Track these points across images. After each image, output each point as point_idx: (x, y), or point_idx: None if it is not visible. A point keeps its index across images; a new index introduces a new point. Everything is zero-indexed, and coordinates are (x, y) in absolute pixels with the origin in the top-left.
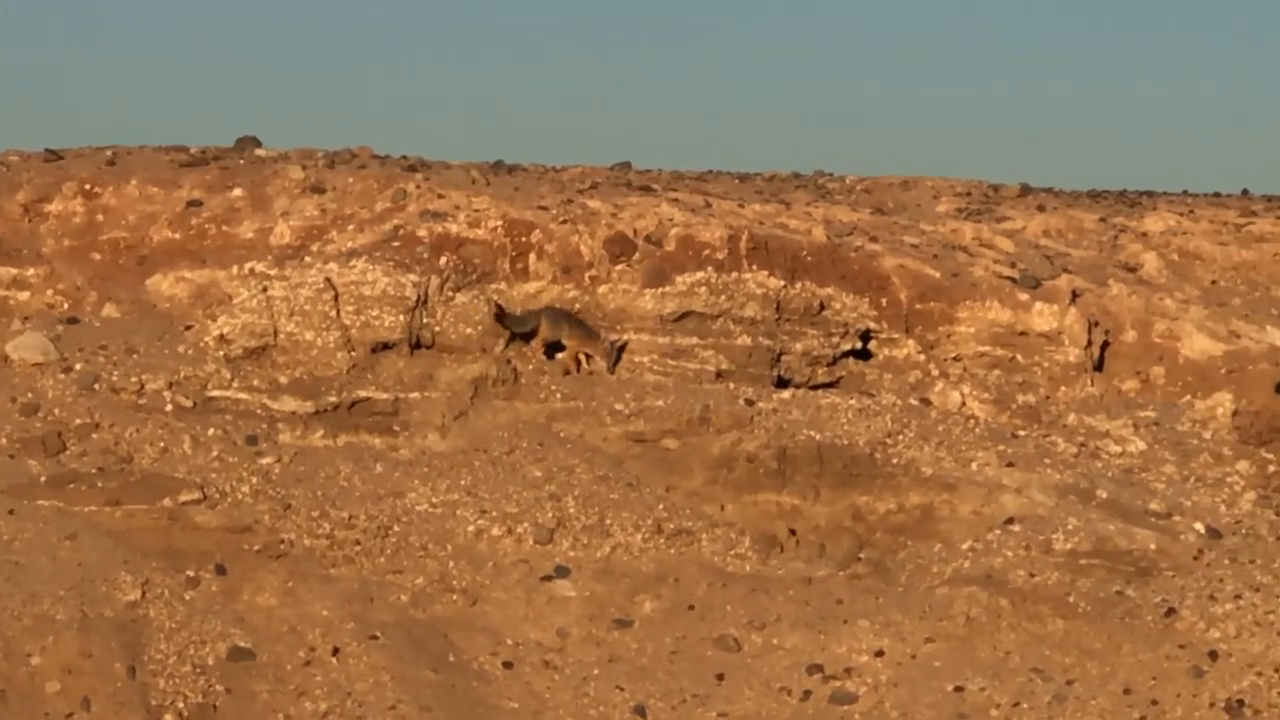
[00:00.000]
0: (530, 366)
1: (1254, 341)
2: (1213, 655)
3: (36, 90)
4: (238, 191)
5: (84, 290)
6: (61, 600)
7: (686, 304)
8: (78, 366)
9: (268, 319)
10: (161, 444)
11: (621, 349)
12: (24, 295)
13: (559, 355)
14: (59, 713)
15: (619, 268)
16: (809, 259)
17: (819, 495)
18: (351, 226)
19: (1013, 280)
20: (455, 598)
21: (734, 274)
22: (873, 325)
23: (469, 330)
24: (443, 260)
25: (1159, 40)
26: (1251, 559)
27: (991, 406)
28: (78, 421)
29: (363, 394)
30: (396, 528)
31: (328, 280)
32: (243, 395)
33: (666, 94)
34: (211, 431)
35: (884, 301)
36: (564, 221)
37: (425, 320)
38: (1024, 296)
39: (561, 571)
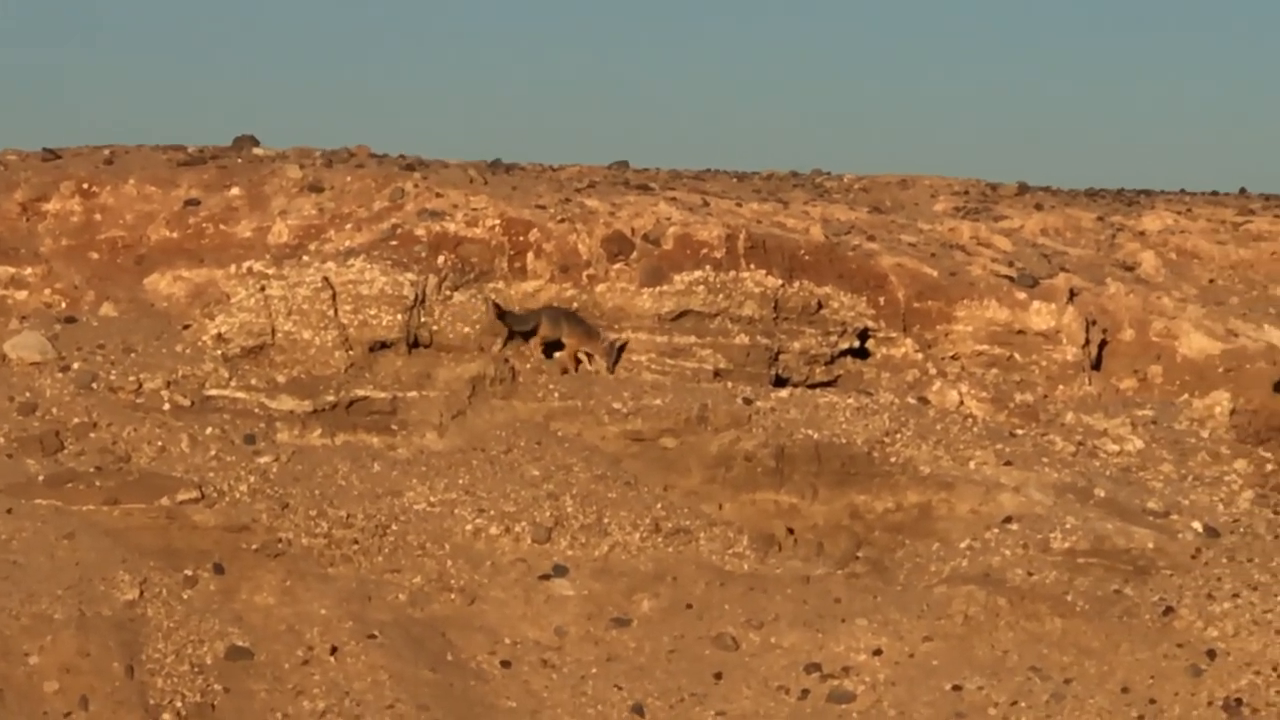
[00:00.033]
0: (528, 365)
1: (1251, 340)
2: (1211, 654)
3: (36, 90)
4: (235, 191)
5: (82, 289)
6: (59, 599)
7: (684, 303)
8: (75, 365)
9: (265, 318)
10: (159, 443)
11: (621, 348)
12: (22, 294)
13: (557, 354)
14: (57, 712)
15: (617, 267)
16: (807, 258)
17: (817, 494)
18: (349, 225)
19: (1010, 279)
20: (453, 597)
21: (732, 273)
22: (870, 324)
23: (467, 329)
24: (440, 259)
25: (1157, 40)
26: (1249, 558)
27: (989, 405)
28: (75, 420)
29: (360, 393)
30: (394, 527)
31: (325, 279)
32: (240, 394)
33: (664, 93)
34: (209, 430)
35: (882, 300)
36: (562, 220)
37: (423, 319)
38: (1022, 295)
39: (559, 570)
